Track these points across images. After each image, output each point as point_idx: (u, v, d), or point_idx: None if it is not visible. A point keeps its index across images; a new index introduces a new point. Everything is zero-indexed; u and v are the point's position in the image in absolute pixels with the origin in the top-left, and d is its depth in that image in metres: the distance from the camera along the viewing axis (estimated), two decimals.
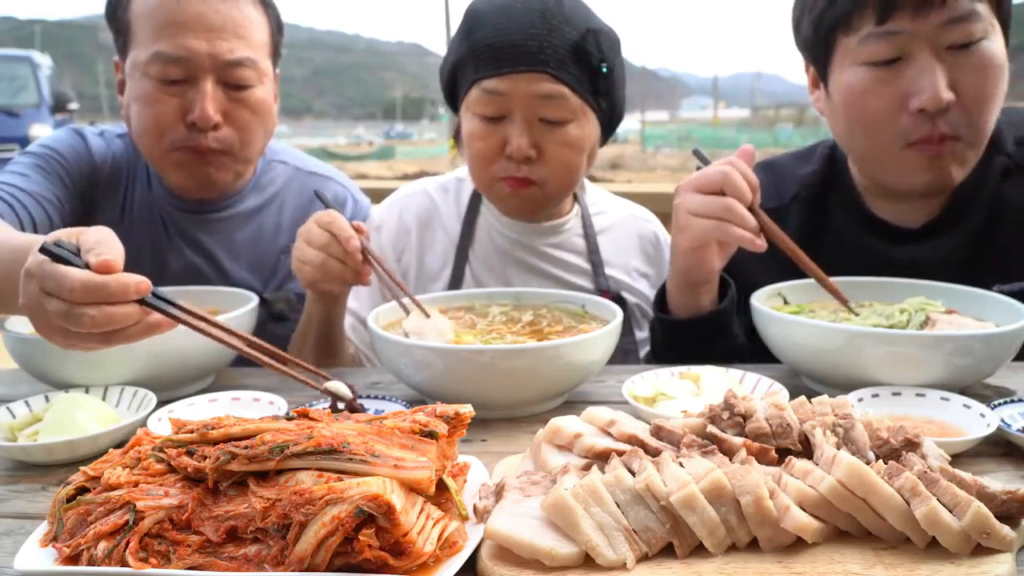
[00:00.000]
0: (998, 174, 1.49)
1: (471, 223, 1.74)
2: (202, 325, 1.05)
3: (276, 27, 1.70)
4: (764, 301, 1.36)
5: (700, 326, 1.42)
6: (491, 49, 1.49)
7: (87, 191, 1.71)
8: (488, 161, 1.56)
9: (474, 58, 1.52)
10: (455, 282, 1.70)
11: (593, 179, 1.93)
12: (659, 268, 1.80)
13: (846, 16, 1.39)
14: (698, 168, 1.38)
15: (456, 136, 1.70)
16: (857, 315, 1.34)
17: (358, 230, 1.39)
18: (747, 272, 1.49)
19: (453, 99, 1.65)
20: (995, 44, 1.37)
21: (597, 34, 1.51)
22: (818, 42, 1.46)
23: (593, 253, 1.74)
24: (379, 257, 1.44)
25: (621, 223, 1.82)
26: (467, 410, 0.86)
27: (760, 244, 1.30)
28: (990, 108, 1.39)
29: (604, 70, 1.53)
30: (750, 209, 1.30)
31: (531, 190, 1.58)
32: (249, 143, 1.65)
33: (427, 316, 1.35)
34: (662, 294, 1.48)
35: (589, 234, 1.75)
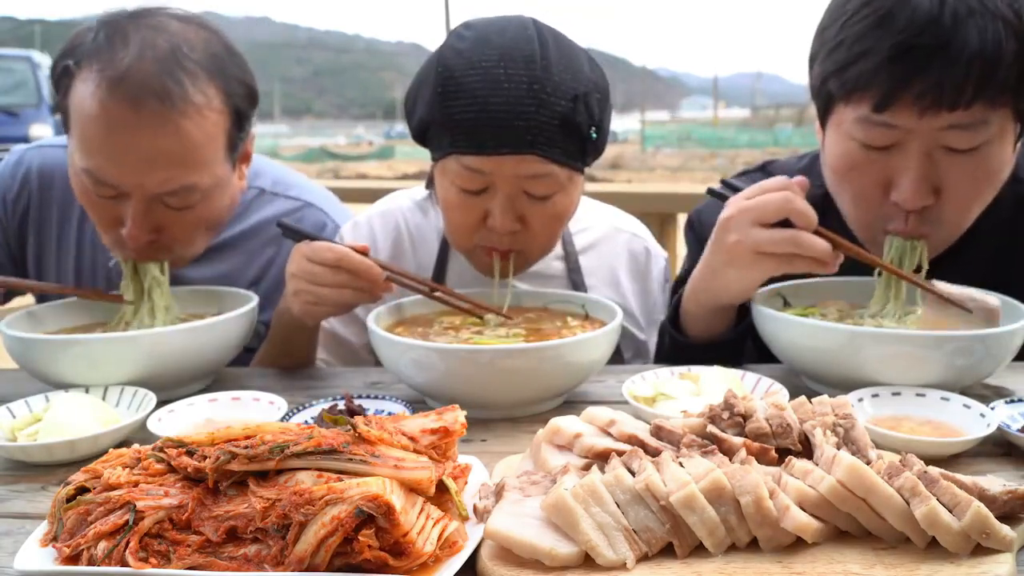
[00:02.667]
0: (1012, 203, 1.40)
1: (448, 243, 1.64)
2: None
3: (237, 116, 1.47)
4: (764, 301, 1.36)
5: (717, 347, 1.38)
6: (472, 125, 1.34)
7: (26, 213, 1.70)
8: (469, 232, 1.45)
9: (451, 130, 1.36)
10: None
11: (592, 179, 1.88)
12: (645, 283, 1.73)
13: (846, 91, 1.28)
14: (717, 197, 1.31)
15: (428, 183, 1.61)
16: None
17: (362, 252, 1.32)
18: None
19: (421, 140, 1.50)
20: (999, 148, 1.25)
21: (587, 97, 1.37)
22: (819, 96, 1.37)
23: (573, 273, 1.66)
24: (402, 271, 1.40)
25: (606, 239, 1.73)
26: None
27: (833, 267, 1.24)
28: (973, 210, 1.31)
29: (594, 136, 1.40)
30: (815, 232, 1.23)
31: (514, 257, 1.48)
32: (190, 243, 1.52)
33: (493, 316, 1.41)
34: (676, 309, 1.43)
35: (569, 252, 1.67)
